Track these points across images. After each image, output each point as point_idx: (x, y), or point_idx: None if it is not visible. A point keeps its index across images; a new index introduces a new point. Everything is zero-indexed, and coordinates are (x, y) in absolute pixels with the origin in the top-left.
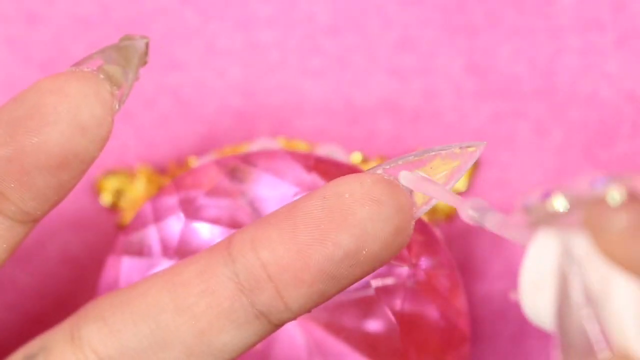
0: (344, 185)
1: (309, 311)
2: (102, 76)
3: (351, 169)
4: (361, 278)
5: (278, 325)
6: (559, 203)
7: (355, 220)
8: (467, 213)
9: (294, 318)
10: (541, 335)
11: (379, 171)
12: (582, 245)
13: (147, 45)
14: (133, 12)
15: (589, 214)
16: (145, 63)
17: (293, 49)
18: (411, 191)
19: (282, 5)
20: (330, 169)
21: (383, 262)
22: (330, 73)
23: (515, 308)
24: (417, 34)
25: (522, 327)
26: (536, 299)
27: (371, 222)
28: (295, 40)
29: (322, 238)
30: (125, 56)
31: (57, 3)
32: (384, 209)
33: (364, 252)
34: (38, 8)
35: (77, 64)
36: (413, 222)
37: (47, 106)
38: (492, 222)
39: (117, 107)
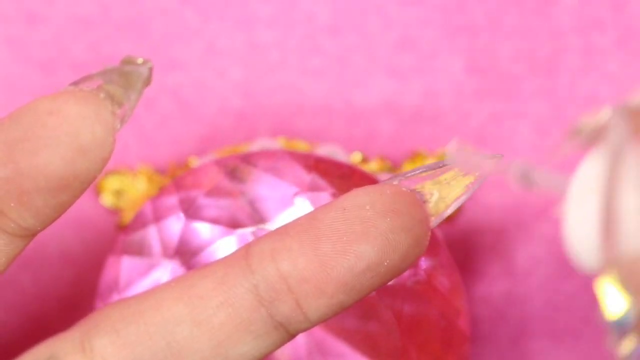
0: (364, 196)
1: (325, 321)
2: (102, 95)
3: (351, 169)
4: (378, 288)
5: (294, 335)
6: (606, 115)
7: (377, 232)
8: (516, 177)
9: (312, 327)
10: (541, 335)
11: (395, 182)
12: (635, 153)
13: (150, 70)
14: (133, 12)
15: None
16: (149, 84)
17: (293, 49)
18: (425, 201)
19: (282, 5)
20: (330, 169)
21: (401, 272)
22: (330, 73)
23: (515, 308)
24: (417, 34)
25: (522, 327)
26: (581, 212)
27: (392, 234)
28: (295, 40)
29: (345, 250)
30: (129, 81)
31: (57, 3)
32: (404, 220)
33: (386, 264)
34: (38, 8)
35: (76, 83)
36: (429, 233)
37: (46, 129)
38: (540, 179)
39: (118, 126)
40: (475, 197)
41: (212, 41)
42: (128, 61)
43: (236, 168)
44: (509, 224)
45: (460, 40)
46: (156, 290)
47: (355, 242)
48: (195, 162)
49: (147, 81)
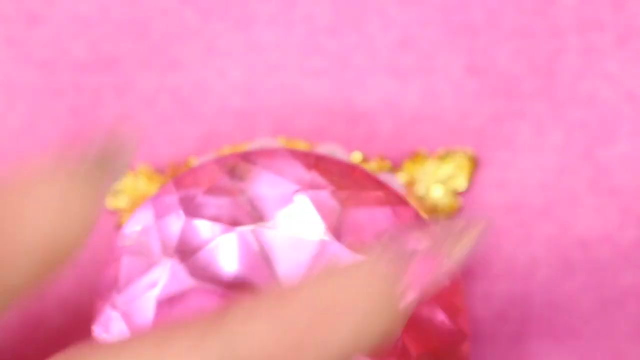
0: (336, 278)
1: None
2: (88, 174)
3: (351, 168)
4: None
5: None
6: None
7: (350, 320)
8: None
9: None
10: (541, 335)
11: (387, 245)
12: None
13: (133, 154)
14: (133, 12)
15: None
16: (129, 169)
17: (293, 49)
18: (407, 288)
19: (282, 5)
20: (330, 168)
21: (371, 356)
22: (330, 73)
23: (515, 308)
24: (417, 34)
25: (522, 327)
26: None
27: (365, 325)
28: (295, 40)
29: (314, 336)
30: (113, 166)
31: (57, 3)
32: (378, 311)
33: (355, 351)
34: (38, 8)
35: (61, 152)
36: (402, 326)
37: (31, 208)
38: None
39: (104, 198)
40: (475, 197)
41: (212, 41)
42: (114, 142)
43: (236, 166)
44: (509, 224)
45: (460, 40)
46: (134, 341)
47: (327, 329)
48: (195, 161)
49: (129, 167)
